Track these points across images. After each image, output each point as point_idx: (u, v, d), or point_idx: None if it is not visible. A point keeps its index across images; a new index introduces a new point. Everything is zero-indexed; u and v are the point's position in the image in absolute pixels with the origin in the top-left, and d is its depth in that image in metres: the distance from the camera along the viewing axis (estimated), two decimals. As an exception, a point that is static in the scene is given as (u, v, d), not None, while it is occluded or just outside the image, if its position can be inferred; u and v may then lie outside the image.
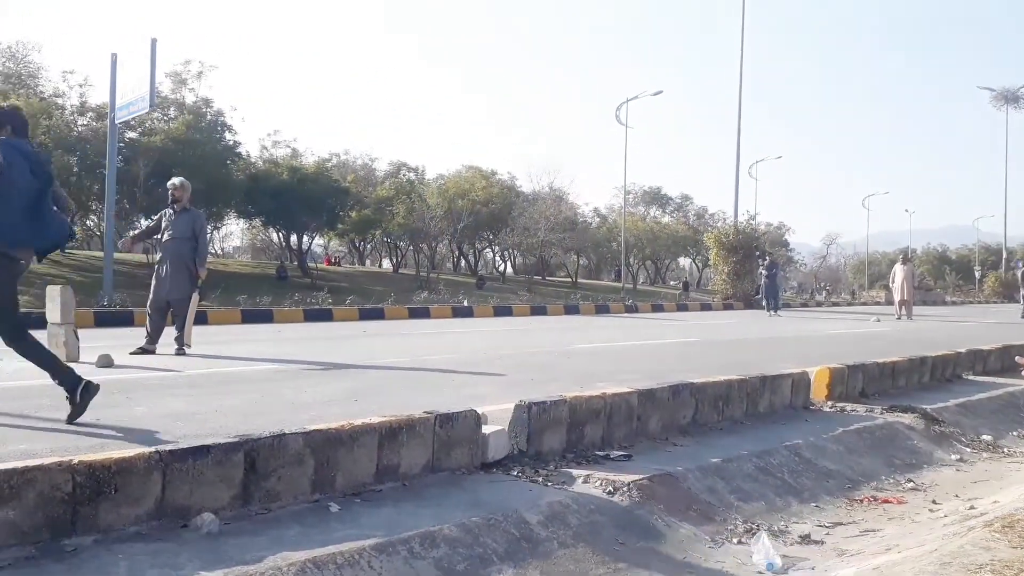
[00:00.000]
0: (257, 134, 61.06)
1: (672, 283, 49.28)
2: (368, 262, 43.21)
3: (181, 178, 8.72)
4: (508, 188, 35.80)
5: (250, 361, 8.01)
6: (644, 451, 4.50)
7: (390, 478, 3.54)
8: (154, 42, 14.71)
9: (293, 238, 29.44)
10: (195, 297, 8.42)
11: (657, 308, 24.83)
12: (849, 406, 6.28)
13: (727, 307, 27.14)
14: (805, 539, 3.76)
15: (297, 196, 24.65)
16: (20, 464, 2.64)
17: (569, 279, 40.71)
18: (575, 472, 3.96)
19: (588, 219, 43.29)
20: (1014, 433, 6.55)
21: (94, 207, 23.18)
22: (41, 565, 2.50)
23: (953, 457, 5.58)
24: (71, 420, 4.39)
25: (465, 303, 20.75)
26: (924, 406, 6.33)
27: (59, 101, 21.77)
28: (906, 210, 62.70)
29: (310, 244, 32.08)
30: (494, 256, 43.96)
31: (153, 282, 8.43)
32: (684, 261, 56.48)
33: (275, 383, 6.39)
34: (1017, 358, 7.72)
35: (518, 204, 33.74)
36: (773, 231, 47.28)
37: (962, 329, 16.89)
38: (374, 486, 3.46)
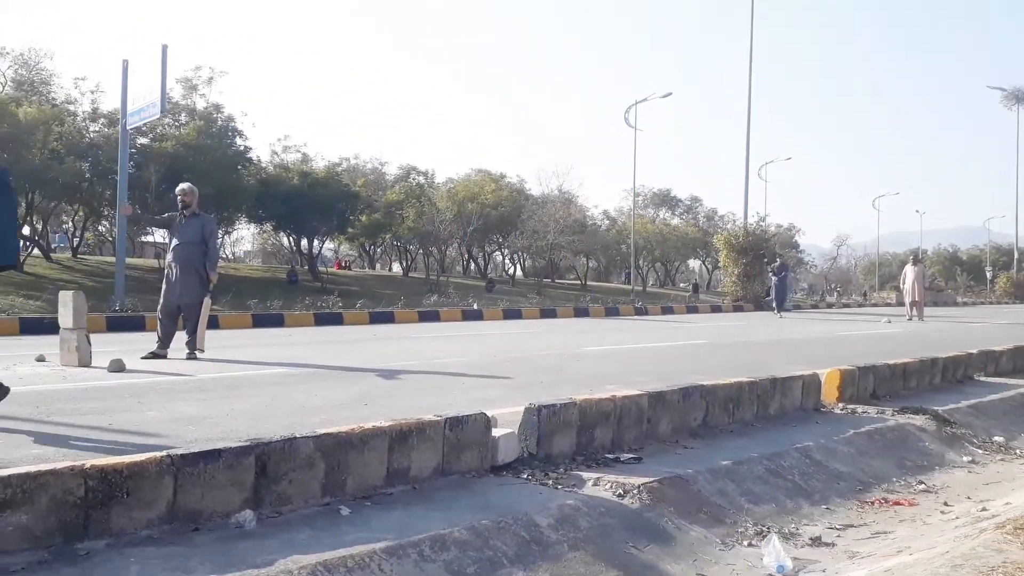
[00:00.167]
0: (267, 139, 61.31)
1: (682, 285, 49.15)
2: (378, 266, 43.31)
3: (188, 183, 8.80)
4: (517, 191, 35.80)
5: (261, 365, 8.04)
6: (654, 453, 4.50)
7: (400, 481, 3.55)
8: (165, 48, 14.79)
9: (304, 242, 29.55)
10: (207, 301, 8.47)
11: (667, 310, 24.78)
12: (860, 408, 6.25)
13: (737, 309, 27.06)
14: (816, 541, 3.74)
15: (307, 200, 24.75)
16: (33, 468, 2.66)
17: (578, 282, 40.68)
18: (585, 475, 3.96)
19: (597, 221, 43.28)
20: (1027, 434, 6.51)
21: (106, 213, 23.32)
22: (54, 569, 2.52)
23: (965, 459, 5.55)
24: None
25: (475, 306, 20.77)
26: (935, 407, 6.30)
27: (71, 108, 21.91)
28: (917, 211, 62.38)
29: (320, 248, 32.17)
30: (503, 259, 43.97)
31: (163, 286, 8.49)
32: (694, 263, 56.37)
33: (285, 387, 6.42)
34: None
35: (527, 207, 33.74)
36: (783, 233, 47.18)
37: (973, 330, 16.80)
38: (384, 489, 3.47)
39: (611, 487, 3.80)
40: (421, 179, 36.31)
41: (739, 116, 31.08)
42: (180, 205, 8.50)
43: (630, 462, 4.24)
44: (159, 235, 26.53)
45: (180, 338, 8.31)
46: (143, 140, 21.67)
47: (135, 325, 13.29)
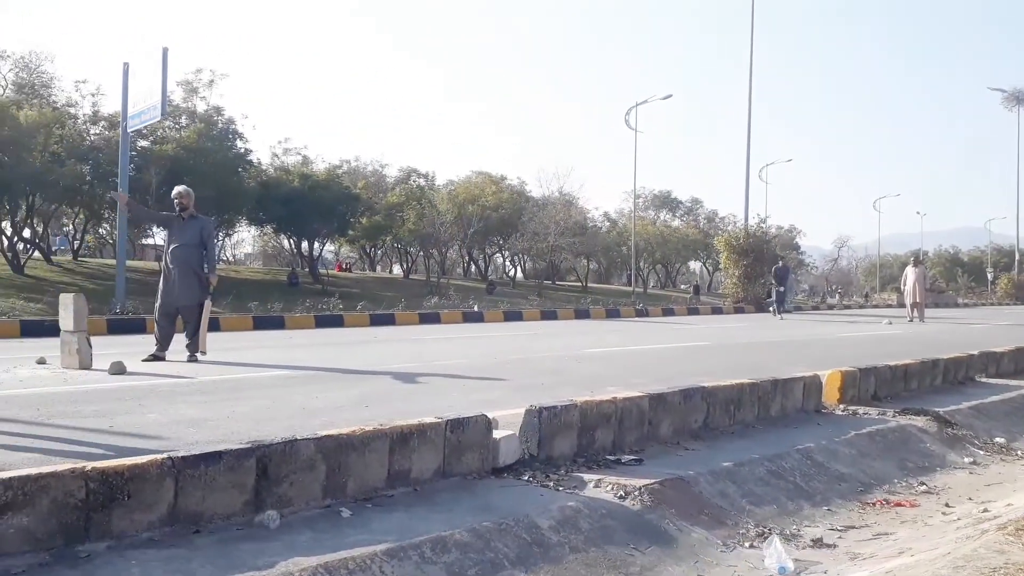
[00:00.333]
0: (268, 141, 61.35)
1: (683, 287, 49.12)
2: (379, 268, 43.33)
3: (184, 186, 8.89)
4: (518, 193, 35.82)
5: (261, 367, 8.04)
6: (655, 455, 4.50)
7: (401, 483, 3.55)
8: (165, 51, 14.80)
9: (304, 244, 29.57)
10: (208, 304, 8.48)
11: (668, 312, 24.77)
12: (861, 409, 6.25)
13: (738, 311, 27.05)
14: (817, 543, 3.74)
15: (308, 203, 24.78)
16: (34, 471, 2.66)
17: (579, 283, 40.68)
18: (586, 477, 3.95)
19: (598, 223, 43.29)
20: (1028, 435, 6.50)
21: (106, 215, 23.33)
22: (55, 571, 2.52)
23: (966, 460, 5.54)
24: None
25: (475, 308, 20.76)
26: (936, 409, 6.29)
27: (72, 110, 21.95)
28: (917, 212, 62.37)
29: (321, 250, 32.19)
30: (504, 261, 43.98)
31: (161, 287, 8.47)
32: (695, 265, 56.34)
33: (286, 389, 6.42)
34: None
35: (528, 209, 33.76)
36: (784, 234, 47.13)
37: (974, 331, 16.78)
38: (386, 491, 3.47)
39: (612, 489, 3.80)
40: (421, 181, 36.35)
41: (739, 118, 31.11)
42: (177, 208, 8.51)
43: (631, 464, 4.24)
44: (159, 237, 26.54)
45: (180, 340, 8.31)
46: (144, 143, 21.69)
47: (136, 328, 13.28)
